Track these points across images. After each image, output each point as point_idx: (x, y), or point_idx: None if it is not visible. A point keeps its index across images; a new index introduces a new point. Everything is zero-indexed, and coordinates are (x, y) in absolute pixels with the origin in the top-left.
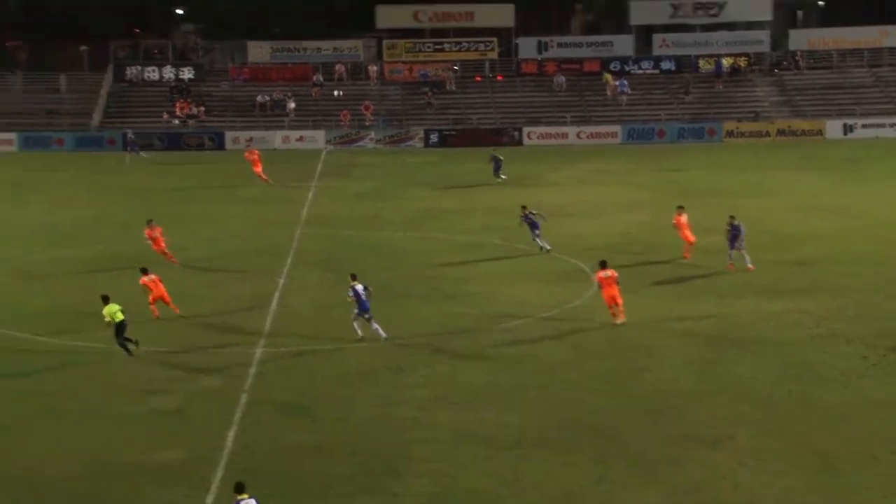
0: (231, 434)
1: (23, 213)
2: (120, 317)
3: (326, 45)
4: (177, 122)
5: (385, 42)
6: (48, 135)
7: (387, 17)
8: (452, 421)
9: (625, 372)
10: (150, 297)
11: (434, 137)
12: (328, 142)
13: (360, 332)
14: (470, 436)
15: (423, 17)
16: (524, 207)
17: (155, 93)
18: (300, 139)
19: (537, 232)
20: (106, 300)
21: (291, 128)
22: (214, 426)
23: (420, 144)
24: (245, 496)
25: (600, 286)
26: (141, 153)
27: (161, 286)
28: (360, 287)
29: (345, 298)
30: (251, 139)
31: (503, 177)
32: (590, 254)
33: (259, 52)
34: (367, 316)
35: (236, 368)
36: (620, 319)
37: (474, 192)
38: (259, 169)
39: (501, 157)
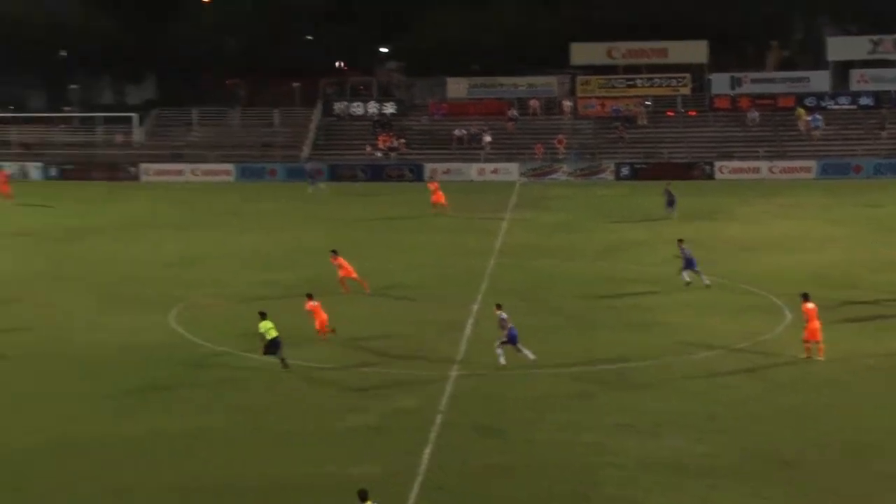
0: (427, 452)
1: (240, 241)
2: (273, 333)
3: (521, 82)
4: (379, 154)
5: (579, 78)
6: (262, 166)
7: (581, 54)
8: (639, 448)
9: (818, 407)
10: (319, 322)
11: (625, 170)
12: (522, 174)
13: (502, 360)
14: (657, 464)
15: (617, 55)
16: (680, 241)
17: (360, 127)
18: (495, 171)
19: (687, 266)
20: (263, 316)
21: (487, 160)
22: (411, 444)
23: (611, 177)
24: (369, 503)
25: (808, 318)
26: (318, 185)
27: (322, 312)
28: (505, 315)
29: (534, 325)
30: (448, 171)
31: (671, 210)
32: (782, 287)
33: (457, 87)
34: (506, 342)
35: (431, 389)
36: (819, 356)
37: (663, 225)
38: (439, 199)
39: (675, 194)
